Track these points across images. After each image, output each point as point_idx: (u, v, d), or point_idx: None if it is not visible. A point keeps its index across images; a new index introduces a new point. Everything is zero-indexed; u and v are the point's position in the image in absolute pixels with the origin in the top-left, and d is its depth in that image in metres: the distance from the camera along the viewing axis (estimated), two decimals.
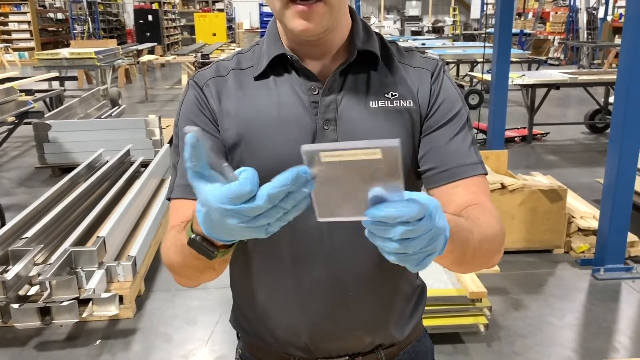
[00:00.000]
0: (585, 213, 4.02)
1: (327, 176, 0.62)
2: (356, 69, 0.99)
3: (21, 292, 3.04)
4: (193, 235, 0.79)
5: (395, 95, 0.99)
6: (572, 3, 16.72)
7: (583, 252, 3.82)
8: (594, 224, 3.84)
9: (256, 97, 0.99)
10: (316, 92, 0.97)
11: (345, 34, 1.00)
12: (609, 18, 15.30)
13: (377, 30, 1.08)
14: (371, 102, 0.98)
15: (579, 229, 3.92)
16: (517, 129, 7.37)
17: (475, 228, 0.86)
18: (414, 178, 1.03)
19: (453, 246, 0.75)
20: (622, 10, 14.80)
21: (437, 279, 2.95)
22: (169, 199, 1.03)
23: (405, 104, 0.99)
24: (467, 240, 0.82)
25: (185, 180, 0.99)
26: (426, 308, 1.17)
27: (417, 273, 1.14)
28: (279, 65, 1.00)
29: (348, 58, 0.98)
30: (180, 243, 0.85)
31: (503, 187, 3.78)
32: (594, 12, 15.95)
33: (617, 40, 13.54)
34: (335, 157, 0.60)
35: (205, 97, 1.01)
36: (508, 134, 6.73)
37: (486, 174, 1.00)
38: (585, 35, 15.83)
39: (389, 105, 0.98)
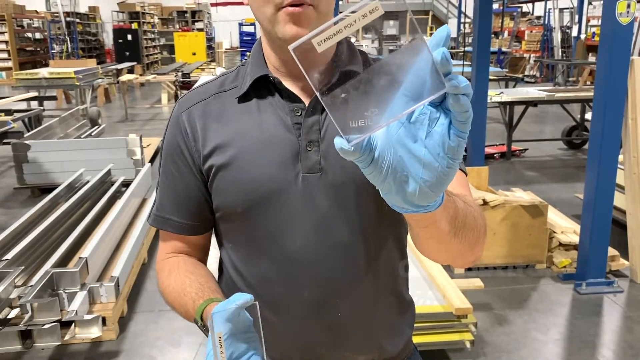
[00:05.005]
0: (566, 228, 4.07)
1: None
2: None
3: (1, 315, 2.98)
4: (200, 323, 0.93)
5: None
6: (546, 22, 17.07)
7: (565, 266, 3.86)
8: (574, 239, 3.89)
9: (239, 119, 1.00)
10: (299, 114, 0.98)
11: (330, 53, 1.01)
12: (582, 36, 15.61)
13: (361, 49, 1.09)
14: None
15: (560, 244, 3.96)
16: (496, 145, 7.46)
17: (463, 202, 0.85)
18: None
19: (445, 209, 0.76)
20: (595, 29, 15.11)
21: (423, 296, 2.96)
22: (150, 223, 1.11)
23: None
24: (457, 207, 0.81)
25: (162, 212, 1.08)
26: None
27: (407, 288, 1.14)
28: (262, 87, 1.01)
29: None
30: (184, 310, 0.99)
31: (485, 203, 3.82)
32: (567, 30, 16.26)
33: (591, 58, 13.80)
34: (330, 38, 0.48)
35: (186, 129, 1.02)
36: (487, 150, 6.80)
37: (465, 173, 1.00)
38: (560, 54, 16.13)
39: None
